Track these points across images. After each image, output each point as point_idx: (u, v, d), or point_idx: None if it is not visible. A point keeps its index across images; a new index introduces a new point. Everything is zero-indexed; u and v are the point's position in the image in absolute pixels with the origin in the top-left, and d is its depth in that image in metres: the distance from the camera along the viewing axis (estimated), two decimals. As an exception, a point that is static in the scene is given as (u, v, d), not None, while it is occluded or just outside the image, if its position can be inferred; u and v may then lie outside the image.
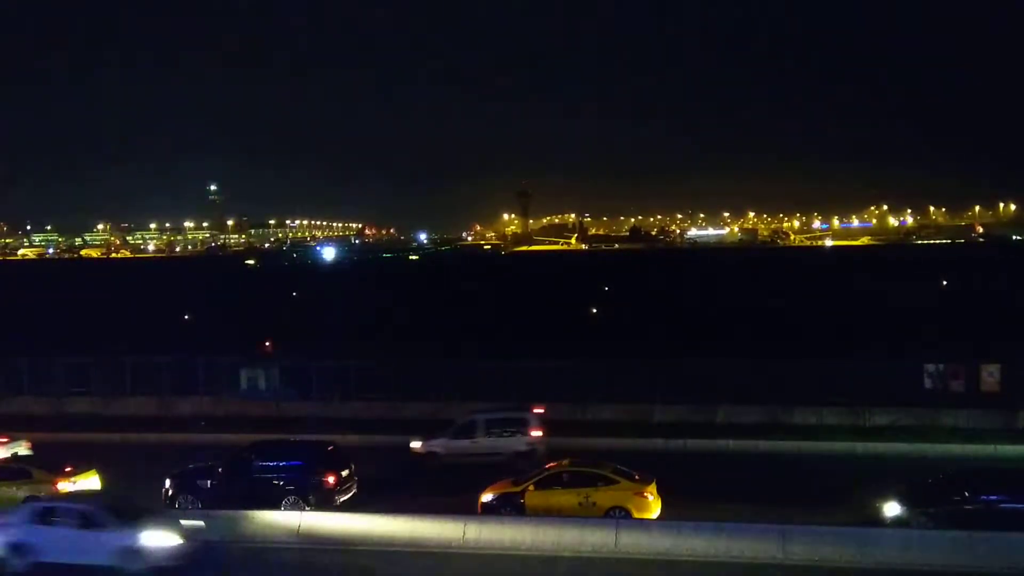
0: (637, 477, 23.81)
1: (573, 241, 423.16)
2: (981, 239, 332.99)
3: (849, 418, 33.00)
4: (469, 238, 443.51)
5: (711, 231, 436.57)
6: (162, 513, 22.11)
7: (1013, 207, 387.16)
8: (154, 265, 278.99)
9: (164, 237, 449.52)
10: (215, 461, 26.12)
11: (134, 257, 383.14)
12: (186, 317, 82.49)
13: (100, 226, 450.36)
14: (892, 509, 21.94)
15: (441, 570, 20.47)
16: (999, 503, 20.97)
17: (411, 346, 51.02)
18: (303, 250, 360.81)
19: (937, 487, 22.28)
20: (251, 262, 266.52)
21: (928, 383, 34.25)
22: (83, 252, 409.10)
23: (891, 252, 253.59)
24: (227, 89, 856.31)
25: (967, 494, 21.36)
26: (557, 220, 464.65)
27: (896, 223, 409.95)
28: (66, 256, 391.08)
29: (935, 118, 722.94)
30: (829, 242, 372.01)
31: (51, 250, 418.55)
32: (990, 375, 33.60)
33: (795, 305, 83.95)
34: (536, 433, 29.78)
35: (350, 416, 36.29)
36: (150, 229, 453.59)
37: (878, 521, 21.83)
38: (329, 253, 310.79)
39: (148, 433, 35.46)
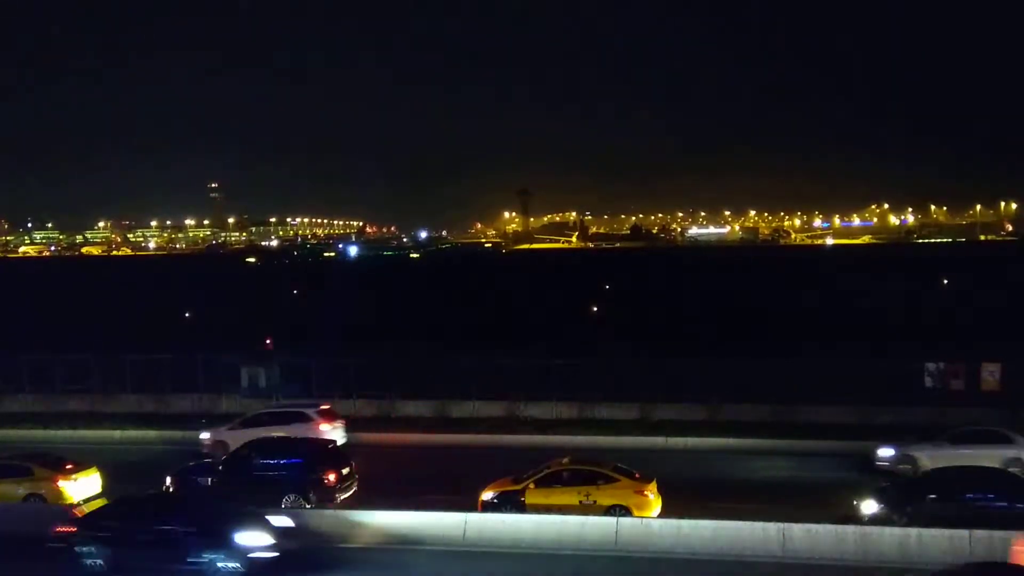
0: (637, 475, 23.80)
1: (574, 239, 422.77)
2: (1011, 237, 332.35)
3: (850, 416, 32.97)
4: (446, 235, 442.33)
5: (712, 229, 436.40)
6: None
7: (1014, 206, 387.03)
8: (155, 263, 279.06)
9: (165, 235, 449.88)
10: (215, 459, 26.12)
11: (135, 255, 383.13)
12: (186, 315, 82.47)
13: (101, 223, 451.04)
14: (869, 507, 21.94)
15: (442, 567, 20.43)
16: (976, 502, 20.98)
17: (411, 344, 50.99)
18: (313, 248, 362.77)
19: (915, 486, 22.26)
20: (252, 260, 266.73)
21: (929, 382, 34.23)
22: (84, 250, 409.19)
23: (892, 251, 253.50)
24: (228, 88, 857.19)
25: (944, 493, 21.37)
26: (558, 218, 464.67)
27: (897, 222, 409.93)
28: (67, 253, 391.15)
29: (936, 116, 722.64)
30: (830, 241, 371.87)
31: (52, 247, 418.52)
32: (990, 374, 33.57)
33: (796, 304, 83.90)
34: None
35: (350, 413, 36.32)
36: (151, 227, 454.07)
37: (855, 519, 21.81)
38: (351, 252, 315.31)
39: (148, 430, 35.47)
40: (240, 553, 19.39)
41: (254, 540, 19.67)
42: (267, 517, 20.93)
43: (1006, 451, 26.40)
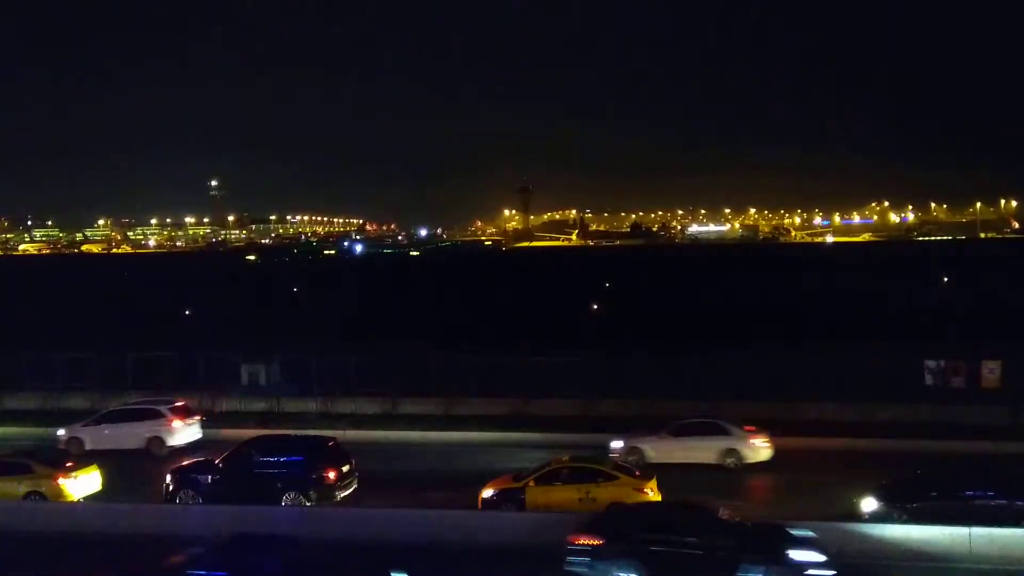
0: (637, 473, 23.86)
1: (574, 237, 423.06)
2: (1017, 235, 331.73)
3: (851, 414, 32.98)
4: (441, 232, 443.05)
5: (712, 227, 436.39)
6: None
7: (1015, 203, 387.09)
8: (155, 260, 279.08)
9: (165, 232, 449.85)
10: (215, 456, 26.15)
11: (135, 252, 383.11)
12: (187, 312, 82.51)
13: (101, 221, 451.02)
14: (869, 504, 21.94)
15: (443, 565, 20.39)
16: (976, 499, 20.98)
17: (412, 342, 50.98)
18: (314, 246, 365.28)
19: (915, 483, 22.26)
20: (252, 257, 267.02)
21: (929, 379, 34.26)
22: (84, 247, 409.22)
23: (892, 248, 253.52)
24: (229, 86, 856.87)
25: (945, 490, 21.38)
26: (558, 216, 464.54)
27: (897, 219, 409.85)
28: (66, 251, 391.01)
29: (937, 114, 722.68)
30: (830, 238, 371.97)
31: (51, 245, 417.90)
32: (991, 371, 33.59)
33: (796, 301, 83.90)
34: None
35: (351, 411, 36.32)
36: (151, 224, 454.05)
37: (855, 516, 21.83)
38: (357, 249, 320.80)
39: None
40: (797, 571, 17.41)
41: (809, 556, 17.61)
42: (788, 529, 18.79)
43: (722, 442, 28.16)
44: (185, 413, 32.76)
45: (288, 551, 17.09)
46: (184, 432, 32.15)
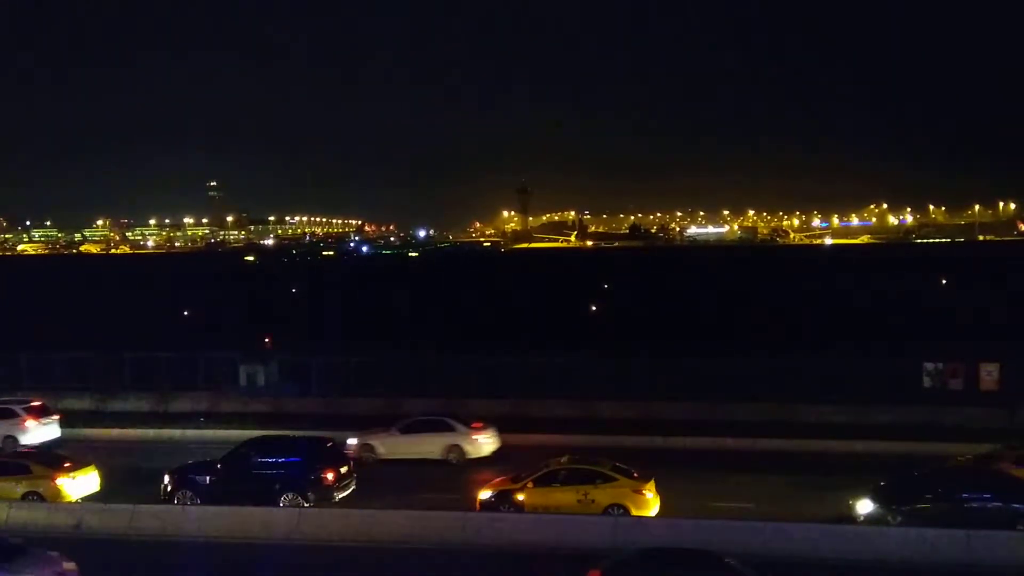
0: (636, 474, 23.81)
1: (573, 238, 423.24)
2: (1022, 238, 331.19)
3: (849, 416, 32.97)
4: (433, 233, 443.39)
5: (711, 229, 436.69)
6: None
7: (1013, 206, 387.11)
8: (153, 261, 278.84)
9: (164, 233, 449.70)
10: (214, 457, 26.15)
11: (133, 253, 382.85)
12: (185, 313, 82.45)
13: (100, 222, 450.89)
14: (865, 507, 21.93)
15: (442, 567, 20.39)
16: (972, 502, 21.01)
17: (410, 343, 51.00)
18: (313, 246, 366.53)
19: (911, 485, 22.27)
20: (250, 258, 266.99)
21: (927, 382, 34.24)
22: (83, 248, 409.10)
23: (891, 250, 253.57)
24: (228, 86, 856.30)
25: (940, 493, 21.39)
26: (557, 217, 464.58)
27: (896, 222, 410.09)
28: (65, 252, 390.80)
29: (936, 115, 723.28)
30: (829, 240, 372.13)
31: (49, 246, 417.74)
32: (989, 374, 33.61)
33: (795, 303, 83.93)
34: None
35: (350, 412, 36.29)
36: (150, 225, 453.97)
37: (851, 518, 21.84)
38: (363, 249, 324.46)
39: (146, 429, 35.48)
40: None
41: None
42: None
43: (446, 438, 29.55)
44: (41, 413, 33.13)
45: (706, 566, 16.57)
46: (39, 431, 32.55)
